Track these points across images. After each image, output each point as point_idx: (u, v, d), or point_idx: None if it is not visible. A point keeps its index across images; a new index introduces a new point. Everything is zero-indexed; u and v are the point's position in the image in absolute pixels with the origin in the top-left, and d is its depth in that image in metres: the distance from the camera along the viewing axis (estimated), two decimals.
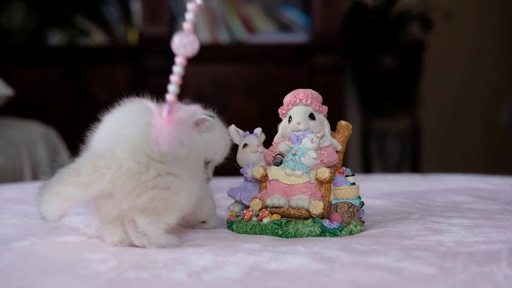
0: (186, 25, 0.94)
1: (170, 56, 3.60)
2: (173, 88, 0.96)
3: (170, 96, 0.95)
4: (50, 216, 1.03)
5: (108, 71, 3.57)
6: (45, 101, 3.56)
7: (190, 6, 0.95)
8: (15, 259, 1.02)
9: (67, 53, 3.57)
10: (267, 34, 3.62)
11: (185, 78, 3.57)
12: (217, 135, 1.26)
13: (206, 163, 1.25)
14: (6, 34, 3.60)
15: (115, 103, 1.14)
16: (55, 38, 3.61)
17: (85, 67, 3.57)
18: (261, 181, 1.26)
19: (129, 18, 3.64)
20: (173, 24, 3.60)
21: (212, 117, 1.23)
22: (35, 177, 2.70)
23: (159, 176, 1.05)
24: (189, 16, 0.95)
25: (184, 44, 0.95)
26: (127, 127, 1.07)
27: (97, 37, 3.63)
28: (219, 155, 1.27)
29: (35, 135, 2.88)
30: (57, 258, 1.02)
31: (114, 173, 1.01)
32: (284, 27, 3.67)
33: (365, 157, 4.23)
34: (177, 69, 0.96)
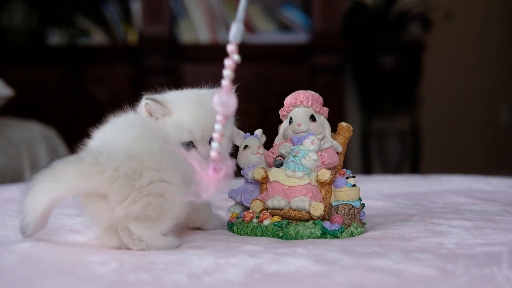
0: (225, 83, 0.96)
1: (170, 56, 3.61)
2: (215, 145, 0.97)
3: (214, 153, 0.97)
4: (35, 208, 1.01)
5: (108, 71, 3.57)
6: (45, 101, 3.56)
7: (227, 63, 0.97)
8: (16, 261, 1.02)
9: (67, 53, 3.56)
10: (267, 34, 3.61)
11: (184, 78, 3.57)
12: (182, 113, 1.19)
13: (187, 144, 1.19)
14: (6, 33, 3.60)
15: (114, 108, 1.15)
16: (55, 38, 3.61)
17: (85, 67, 3.56)
18: (262, 183, 1.26)
19: (129, 18, 3.64)
20: (173, 24, 3.60)
21: (151, 99, 1.17)
22: None
23: (153, 183, 1.05)
24: (226, 73, 0.97)
25: (223, 102, 0.96)
26: (118, 139, 1.08)
27: (97, 37, 3.63)
28: (197, 132, 1.19)
29: (35, 135, 2.87)
30: (58, 260, 1.02)
31: (112, 172, 1.01)
32: (284, 27, 3.67)
33: (365, 157, 4.23)
34: (218, 127, 0.97)
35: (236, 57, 0.98)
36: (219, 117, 0.97)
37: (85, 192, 1.04)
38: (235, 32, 0.99)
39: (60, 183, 1.00)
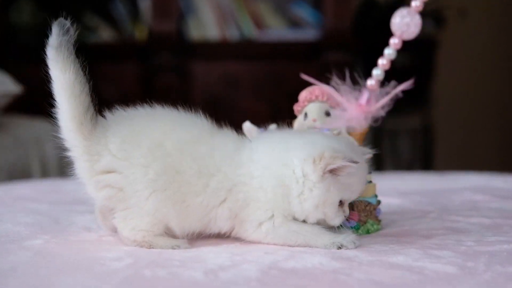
0: (415, 3, 0.88)
1: (178, 54, 3.58)
2: (377, 72, 0.92)
3: (372, 82, 0.91)
4: None
5: (117, 68, 3.55)
6: (54, 99, 3.55)
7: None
8: (30, 257, 1.01)
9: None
10: (278, 31, 3.59)
11: (193, 76, 3.55)
12: (357, 178, 1.12)
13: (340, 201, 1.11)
14: (15, 31, 3.60)
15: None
16: None
17: (93, 64, 3.54)
18: None
19: (137, 15, 3.63)
20: (182, 20, 3.58)
21: (356, 162, 1.08)
22: (44, 176, 2.69)
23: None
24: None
25: (405, 24, 0.90)
26: None
27: (105, 34, 3.62)
28: (355, 194, 1.14)
29: (44, 133, 2.86)
30: (72, 256, 1.02)
31: None
32: (295, 24, 3.65)
33: (377, 155, 4.20)
34: (389, 51, 0.91)
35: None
36: (394, 41, 0.90)
37: None
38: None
39: None
